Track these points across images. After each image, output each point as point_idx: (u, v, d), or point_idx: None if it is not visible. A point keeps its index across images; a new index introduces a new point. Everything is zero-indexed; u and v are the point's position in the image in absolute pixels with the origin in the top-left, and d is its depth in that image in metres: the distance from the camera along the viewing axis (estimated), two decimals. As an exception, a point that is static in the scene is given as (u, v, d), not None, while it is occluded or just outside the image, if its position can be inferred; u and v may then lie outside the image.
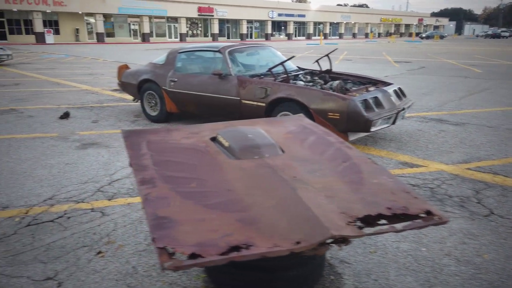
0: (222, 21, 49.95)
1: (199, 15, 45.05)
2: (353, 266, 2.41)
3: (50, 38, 33.13)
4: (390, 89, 4.90)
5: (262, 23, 54.92)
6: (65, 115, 6.30)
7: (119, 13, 38.46)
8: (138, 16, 40.56)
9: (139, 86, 6.20)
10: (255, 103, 4.89)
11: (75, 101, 7.81)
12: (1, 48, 14.84)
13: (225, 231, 1.57)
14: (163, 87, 5.80)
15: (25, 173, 3.91)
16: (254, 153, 2.20)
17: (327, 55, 5.68)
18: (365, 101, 4.42)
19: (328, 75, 5.70)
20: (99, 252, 2.53)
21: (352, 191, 1.90)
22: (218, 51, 5.42)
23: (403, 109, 4.75)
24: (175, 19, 44.45)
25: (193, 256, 1.45)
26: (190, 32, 47.19)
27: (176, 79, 5.67)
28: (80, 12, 36.10)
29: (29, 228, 2.84)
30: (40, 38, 32.86)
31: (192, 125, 2.75)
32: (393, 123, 4.65)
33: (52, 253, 2.52)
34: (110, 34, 40.19)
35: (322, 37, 44.50)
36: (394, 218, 1.75)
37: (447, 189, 3.54)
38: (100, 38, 36.95)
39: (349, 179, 2.02)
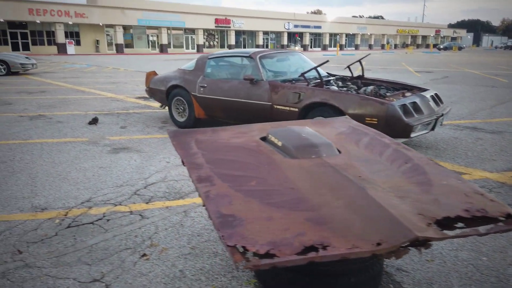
0: (238, 33, 50.40)
1: (216, 26, 45.56)
2: (412, 274, 2.27)
3: (71, 48, 33.87)
4: (427, 94, 4.76)
5: (278, 34, 55.20)
6: (94, 121, 6.32)
7: (138, 25, 39.15)
8: (156, 28, 41.22)
9: (167, 92, 6.19)
10: (287, 108, 4.80)
11: (101, 107, 7.86)
12: (26, 58, 15.16)
13: (296, 230, 1.47)
14: (192, 93, 5.77)
15: (60, 175, 3.88)
16: (311, 152, 2.10)
17: (359, 61, 5.58)
18: (403, 106, 4.29)
19: (360, 81, 5.59)
20: (144, 255, 2.45)
21: (423, 192, 1.78)
22: (249, 57, 5.37)
23: (442, 115, 4.60)
24: (193, 31, 45.03)
25: (267, 255, 1.35)
26: (207, 43, 47.71)
27: (205, 85, 5.64)
28: (100, 24, 36.88)
29: (70, 229, 2.79)
30: (61, 49, 33.62)
31: (238, 125, 2.68)
32: (433, 129, 4.50)
33: (96, 255, 2.45)
34: (129, 45, 40.89)
35: (338, 48, 44.40)
36: (472, 221, 1.63)
37: (496, 197, 3.36)
38: (119, 49, 37.61)
39: (416, 180, 1.90)
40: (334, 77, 5.63)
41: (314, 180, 1.83)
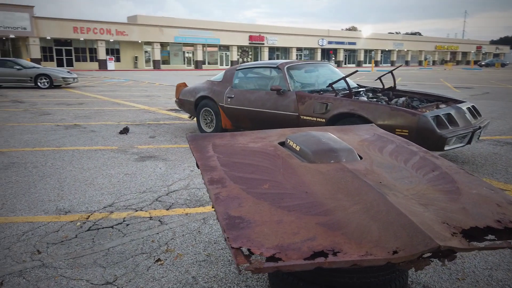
0: (272, 49, 50.88)
1: (250, 43, 46.23)
2: (440, 293, 2.09)
3: (111, 64, 35.33)
4: (463, 107, 4.53)
5: (312, 50, 55.27)
6: (125, 130, 6.47)
7: (175, 42, 40.39)
8: (192, 45, 42.35)
9: (196, 103, 6.26)
10: (314, 118, 4.70)
11: (133, 118, 8.06)
12: (68, 72, 15.92)
13: (307, 235, 1.38)
14: (220, 104, 5.79)
15: (86, 181, 3.95)
16: (330, 157, 2.00)
17: (390, 72, 5.42)
18: (437, 117, 4.09)
19: (392, 92, 5.42)
20: (158, 260, 2.40)
21: (449, 201, 1.64)
22: (277, 67, 5.35)
23: (479, 128, 4.35)
24: (227, 47, 45.90)
25: (272, 258, 1.27)
26: (240, 59, 48.43)
27: (233, 95, 5.65)
28: (139, 41, 38.34)
29: (90, 232, 2.80)
30: (102, 65, 35.15)
31: (257, 131, 2.62)
32: (469, 142, 4.25)
33: (111, 258, 2.44)
34: (166, 62, 42.18)
35: (373, 64, 43.76)
36: (505, 233, 1.47)
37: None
38: (156, 65, 38.85)
39: (443, 188, 1.76)
40: (364, 89, 5.48)
41: (331, 185, 1.73)
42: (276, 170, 1.91)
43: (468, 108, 4.66)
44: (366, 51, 61.65)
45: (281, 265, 1.22)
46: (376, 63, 61.76)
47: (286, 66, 5.30)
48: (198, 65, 42.32)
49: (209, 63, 45.54)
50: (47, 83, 15.06)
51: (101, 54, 35.24)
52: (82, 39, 34.72)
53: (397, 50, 64.46)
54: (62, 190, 3.66)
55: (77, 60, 36.22)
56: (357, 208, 1.54)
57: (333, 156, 2.00)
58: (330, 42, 55.06)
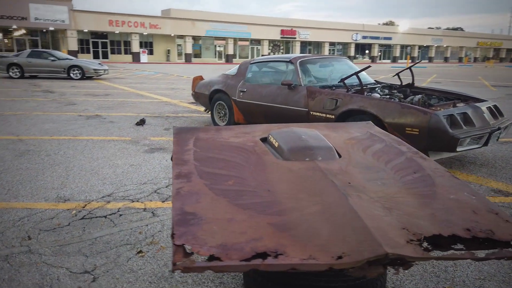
0: (304, 43, 50.34)
1: (281, 37, 45.93)
2: (422, 302, 1.97)
3: (144, 57, 36.15)
4: (483, 106, 4.28)
5: (345, 45, 54.22)
6: (141, 122, 6.58)
7: (206, 36, 40.75)
8: (224, 39, 42.58)
9: (210, 96, 6.27)
10: (324, 115, 4.59)
11: (154, 110, 8.19)
12: (99, 64, 16.40)
13: (254, 235, 1.33)
14: (232, 97, 5.77)
15: (92, 170, 4.05)
16: (305, 154, 1.93)
17: (409, 68, 5.19)
18: (450, 117, 3.88)
19: (410, 89, 5.20)
20: (140, 252, 2.41)
21: (420, 205, 1.53)
22: (290, 62, 5.25)
23: (499, 128, 4.09)
24: (258, 42, 45.82)
25: (212, 258, 1.23)
26: (272, 54, 48.24)
27: (245, 89, 5.61)
28: (172, 35, 38.97)
29: (83, 221, 2.85)
30: (136, 58, 36.03)
31: (244, 125, 2.57)
32: (485, 144, 4.02)
33: (96, 247, 2.47)
34: (197, 55, 42.68)
35: (409, 60, 42.36)
36: (474, 243, 1.36)
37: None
38: (187, 59, 39.39)
39: (418, 192, 1.65)
40: (380, 85, 5.29)
41: (297, 184, 1.67)
42: (246, 166, 1.86)
43: (489, 108, 4.40)
44: (402, 46, 59.78)
45: (213, 265, 1.17)
46: (413, 59, 59.81)
47: (299, 60, 5.19)
48: (228, 59, 42.53)
49: (240, 57, 45.68)
50: (79, 74, 15.58)
51: (135, 47, 36.11)
52: (117, 32, 35.69)
53: (435, 46, 62.12)
54: (66, 179, 3.76)
55: (112, 52, 37.28)
56: (314, 209, 1.47)
57: (309, 154, 1.93)
58: (364, 37, 53.79)
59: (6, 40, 32.85)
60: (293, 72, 5.14)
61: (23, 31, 33.16)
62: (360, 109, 4.22)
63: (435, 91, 5.08)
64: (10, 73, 15.33)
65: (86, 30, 34.28)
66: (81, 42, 35.19)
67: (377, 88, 5.10)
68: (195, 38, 41.65)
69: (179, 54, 41.21)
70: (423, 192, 1.65)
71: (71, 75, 15.55)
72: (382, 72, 27.09)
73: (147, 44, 38.87)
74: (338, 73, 5.52)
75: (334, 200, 1.51)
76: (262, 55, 45.40)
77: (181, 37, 39.92)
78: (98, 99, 9.84)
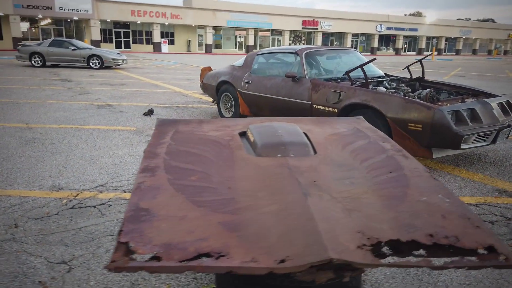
0: (326, 35, 49.59)
1: (303, 28, 45.35)
2: (398, 306, 1.90)
3: (165, 47, 36.43)
4: (493, 102, 4.07)
5: (369, 36, 53.11)
6: (149, 112, 6.61)
7: (227, 26, 40.66)
8: (244, 29, 42.40)
9: (217, 87, 6.23)
10: (326, 108, 4.48)
11: (165, 101, 8.22)
12: (118, 53, 16.60)
13: (202, 234, 1.28)
14: (238, 89, 5.71)
15: (92, 160, 4.09)
16: (278, 150, 1.86)
17: (419, 61, 5.00)
18: (456, 112, 3.72)
19: (419, 83, 5.02)
20: (120, 243, 2.41)
21: (384, 208, 1.45)
22: (295, 53, 5.14)
23: (509, 126, 3.90)
24: (279, 32, 45.41)
25: (153, 258, 1.19)
26: (293, 44, 47.77)
27: (250, 81, 5.54)
28: (193, 25, 39.05)
29: (72, 210, 2.88)
30: (157, 48, 36.35)
31: (229, 118, 2.52)
32: (493, 142, 3.83)
33: (79, 237, 2.49)
34: (218, 46, 42.72)
35: (435, 53, 41.13)
36: (436, 249, 1.27)
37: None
38: (208, 49, 39.46)
39: (387, 193, 1.57)
40: (388, 78, 5.13)
41: (260, 181, 1.61)
42: (216, 161, 1.81)
43: (501, 104, 4.19)
44: (428, 38, 58.12)
45: (148, 265, 1.13)
46: (439, 51, 58.09)
47: (305, 52, 5.08)
48: (249, 49, 42.34)
49: (261, 48, 45.43)
50: (98, 64, 15.82)
51: (156, 37, 36.40)
52: (139, 22, 36.03)
53: (463, 38, 60.08)
54: (65, 168, 3.81)
55: (134, 42, 37.72)
56: (270, 209, 1.41)
57: (282, 150, 1.86)
58: (389, 28, 52.51)
59: (33, 30, 33.66)
60: (298, 64, 5.03)
61: (48, 21, 33.91)
62: (363, 103, 4.09)
63: (446, 85, 4.88)
64: (32, 62, 15.71)
65: (109, 20, 34.76)
66: (104, 31, 35.73)
67: (385, 82, 4.94)
68: (216, 29, 41.63)
69: (200, 45, 41.33)
70: (393, 194, 1.57)
71: (91, 64, 15.80)
72: (405, 64, 26.40)
73: (169, 34, 39.12)
74: (345, 66, 5.38)
75: (292, 200, 1.44)
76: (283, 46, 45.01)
77: (202, 27, 39.98)
78: (113, 89, 9.96)
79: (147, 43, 38.00)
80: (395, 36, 54.64)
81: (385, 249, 1.25)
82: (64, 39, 16.51)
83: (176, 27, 39.22)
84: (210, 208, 1.43)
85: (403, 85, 4.85)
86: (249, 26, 41.49)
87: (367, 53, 52.74)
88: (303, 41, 48.66)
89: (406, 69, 5.19)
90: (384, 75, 5.39)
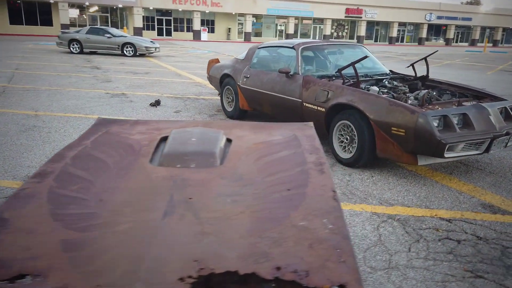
0: (370, 23, 47.85)
1: (346, 16, 44.00)
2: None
3: (204, 35, 36.78)
4: (493, 107, 3.71)
5: (417, 26, 50.63)
6: (156, 103, 6.70)
7: (267, 14, 40.28)
8: (285, 17, 41.82)
9: (221, 80, 6.18)
10: (315, 107, 4.30)
11: (179, 91, 8.30)
12: (151, 41, 16.96)
13: (36, 252, 1.25)
14: (238, 83, 5.63)
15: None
16: (179, 160, 1.79)
17: (424, 59, 4.66)
18: (444, 117, 3.43)
19: (422, 82, 4.69)
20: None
21: (250, 231, 1.34)
22: (292, 48, 4.96)
23: (507, 134, 3.55)
24: (321, 21, 44.37)
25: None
26: (335, 33, 46.56)
27: (249, 75, 5.43)
28: (233, 13, 39.06)
29: (32, 202, 2.96)
30: (196, 36, 36.78)
31: (165, 120, 2.46)
32: (486, 151, 3.51)
33: None
34: (259, 34, 42.52)
35: (486, 44, 38.46)
36: (279, 285, 1.16)
37: None
38: (247, 37, 39.37)
39: (267, 214, 1.45)
40: (388, 76, 4.83)
41: (135, 195, 1.55)
42: (112, 169, 1.77)
43: (503, 109, 3.82)
44: (483, 28, 54.48)
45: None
46: (495, 43, 54.39)
47: (302, 46, 4.89)
48: (288, 38, 41.79)
49: (301, 36, 44.71)
50: (132, 52, 16.26)
51: (196, 24, 36.81)
52: (180, 10, 36.55)
53: (523, 28, 55.68)
54: (47, 157, 3.94)
55: (176, 30, 38.40)
56: (123, 227, 1.34)
57: (183, 160, 1.79)
58: (439, 17, 49.76)
59: (85, 16, 35.11)
60: (294, 59, 4.86)
61: (95, 8, 35.26)
62: (349, 103, 3.88)
63: (452, 85, 4.53)
64: (71, 48, 16.42)
65: (151, 8, 35.54)
66: (147, 19, 36.63)
67: (384, 80, 4.66)
68: (257, 17, 41.40)
69: (240, 33, 41.32)
70: (273, 215, 1.45)
71: (124, 52, 16.28)
72: (452, 56, 24.94)
73: (209, 22, 39.44)
74: (347, 62, 5.13)
75: (148, 219, 1.37)
76: (324, 36, 43.99)
77: (242, 15, 39.90)
78: (135, 77, 10.19)
79: (188, 30, 38.55)
80: (446, 25, 51.72)
81: (214, 282, 1.15)
82: (101, 26, 17.10)
83: (217, 15, 39.43)
84: (65, 222, 1.39)
85: (401, 84, 4.54)
86: (289, 14, 40.85)
87: (414, 44, 50.36)
88: (346, 30, 47.28)
89: (411, 66, 4.86)
90: (388, 72, 5.08)
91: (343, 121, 3.99)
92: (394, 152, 3.58)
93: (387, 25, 48.92)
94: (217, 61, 6.79)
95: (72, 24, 33.23)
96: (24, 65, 11.65)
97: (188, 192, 1.55)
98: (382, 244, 2.55)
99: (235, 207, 1.50)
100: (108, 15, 35.74)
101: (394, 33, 48.12)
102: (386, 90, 4.17)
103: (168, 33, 37.88)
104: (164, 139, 2.13)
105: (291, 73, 4.70)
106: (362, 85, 4.27)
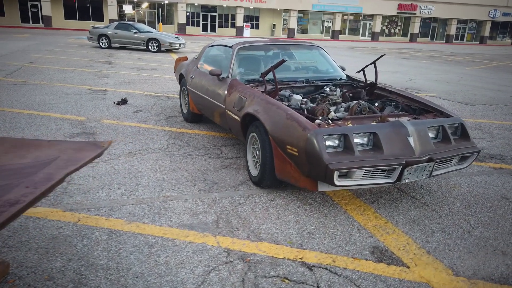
0: (426, 20, 44.90)
1: (398, 12, 41.58)
2: None
3: (247, 31, 36.51)
4: (420, 125, 3.01)
5: (479, 23, 46.74)
6: (123, 102, 6.51)
7: (313, 10, 39.14)
8: (332, 13, 40.42)
9: (179, 80, 5.85)
10: (233, 115, 3.83)
11: (165, 89, 8.08)
12: (176, 37, 17.01)
13: None
14: (186, 84, 5.26)
15: None
16: None
17: (373, 63, 3.99)
18: (343, 137, 2.83)
19: (367, 90, 4.03)
20: None
21: None
22: (231, 47, 4.49)
23: (430, 160, 2.86)
24: (371, 17, 42.35)
25: None
26: (386, 30, 44.28)
27: (193, 76, 5.04)
28: (278, 9, 38.43)
29: None
30: (239, 32, 36.63)
31: (28, 139, 2.17)
32: (399, 179, 2.85)
33: None
34: (305, 31, 41.54)
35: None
36: None
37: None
38: (290, 34, 38.53)
39: None
40: (332, 82, 4.20)
41: None
42: None
43: (440, 128, 3.11)
44: (558, 26, 49.01)
45: None
46: None
47: (239, 46, 4.40)
48: (334, 35, 40.36)
49: (350, 33, 43.06)
50: (156, 47, 16.41)
51: (239, 21, 36.69)
52: (225, 5, 36.62)
53: None
54: None
55: (220, 26, 38.58)
56: None
57: None
58: (505, 14, 45.56)
59: (140, 11, 36.31)
60: (229, 60, 4.39)
61: (146, 4, 36.35)
62: (253, 113, 3.37)
63: (401, 96, 3.82)
64: (100, 43, 16.92)
65: (196, 4, 35.95)
66: (192, 15, 37.15)
67: (326, 87, 4.04)
68: (304, 13, 40.44)
69: (284, 29, 40.62)
70: None
71: (150, 47, 16.47)
72: (500, 58, 22.57)
73: (253, 18, 39.16)
74: (298, 65, 4.57)
75: None
76: (373, 32, 41.96)
77: (287, 11, 39.15)
78: (136, 73, 10.14)
79: (232, 26, 38.57)
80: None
81: None
82: (128, 22, 17.40)
83: (262, 11, 39.03)
84: None
85: (337, 93, 3.89)
86: (336, 10, 39.38)
87: (475, 42, 46.58)
88: (399, 27, 44.79)
89: (362, 72, 4.19)
90: (342, 78, 4.44)
91: (253, 133, 3.49)
92: (292, 175, 3.04)
93: (444, 22, 45.66)
94: (185, 59, 6.45)
95: (122, 20, 34.51)
96: (42, 59, 12.09)
97: None
98: (192, 294, 2.08)
99: None
100: (155, 11, 36.71)
101: (453, 31, 44.79)
102: (309, 100, 3.59)
103: (213, 29, 38.16)
104: None
105: (222, 75, 4.24)
106: (286, 93, 3.71)
